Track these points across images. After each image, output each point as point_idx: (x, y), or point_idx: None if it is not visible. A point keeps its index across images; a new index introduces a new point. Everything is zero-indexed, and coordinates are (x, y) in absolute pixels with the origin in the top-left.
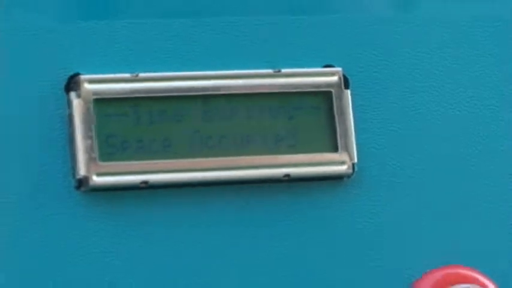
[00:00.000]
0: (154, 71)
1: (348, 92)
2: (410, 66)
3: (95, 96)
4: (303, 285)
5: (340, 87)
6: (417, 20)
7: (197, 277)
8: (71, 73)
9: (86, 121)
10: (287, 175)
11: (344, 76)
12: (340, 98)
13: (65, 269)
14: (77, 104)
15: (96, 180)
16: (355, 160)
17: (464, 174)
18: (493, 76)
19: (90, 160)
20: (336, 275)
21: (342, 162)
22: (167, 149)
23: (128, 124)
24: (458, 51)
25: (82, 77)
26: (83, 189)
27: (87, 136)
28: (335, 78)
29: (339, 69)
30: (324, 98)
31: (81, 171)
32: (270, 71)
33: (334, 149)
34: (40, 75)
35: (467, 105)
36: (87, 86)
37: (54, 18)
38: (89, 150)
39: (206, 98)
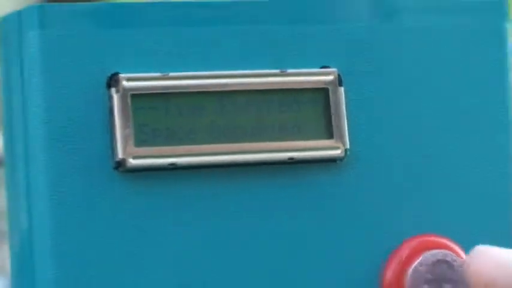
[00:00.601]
0: (181, 71)
1: (342, 89)
2: (394, 67)
3: (131, 92)
4: (305, 249)
5: (335, 84)
6: (398, 28)
7: (212, 243)
8: (112, 72)
9: (124, 113)
10: (291, 158)
11: (338, 75)
12: (335, 93)
13: (104, 235)
14: (116, 98)
15: (132, 162)
16: (347, 146)
17: (442, 157)
18: (468, 78)
19: (126, 145)
20: (329, 241)
21: (336, 148)
22: (191, 136)
23: (158, 115)
24: (435, 55)
25: (121, 75)
26: (120, 169)
27: (124, 125)
28: (331, 77)
29: (334, 69)
30: (321, 94)
31: (120, 154)
32: (277, 71)
33: (330, 136)
34: (86, 74)
35: (443, 99)
36: (125, 83)
37: (97, 26)
38: (126, 137)
39: (224, 94)
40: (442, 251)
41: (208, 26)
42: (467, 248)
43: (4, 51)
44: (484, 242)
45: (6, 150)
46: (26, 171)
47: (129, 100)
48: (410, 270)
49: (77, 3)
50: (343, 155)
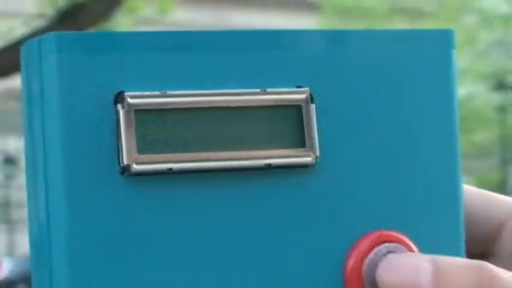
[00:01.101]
0: (177, 90)
1: (313, 105)
2: (357, 86)
3: (135, 108)
4: (281, 240)
5: (308, 102)
6: (361, 54)
7: (202, 236)
8: (118, 91)
9: (128, 125)
10: (268, 164)
11: (310, 94)
12: (307, 109)
13: (111, 230)
14: (122, 113)
15: (136, 167)
16: (317, 154)
17: (398, 164)
18: (420, 97)
19: (131, 153)
20: (302, 234)
21: (308, 155)
22: (185, 146)
23: (157, 127)
24: (390, 77)
25: (126, 93)
26: (126, 174)
27: (129, 136)
28: (304, 96)
29: (307, 89)
30: (295, 110)
31: (125, 161)
32: (258, 90)
33: (302, 145)
34: (97, 92)
35: (399, 114)
36: (129, 100)
37: (105, 51)
38: (130, 145)
39: (213, 109)
40: (394, 243)
41: (201, 52)
42: (418, 241)
43: (26, 72)
44: (433, 236)
45: (27, 156)
46: (45, 175)
47: (132, 115)
48: (367, 260)
49: (90, 30)
50: (314, 161)
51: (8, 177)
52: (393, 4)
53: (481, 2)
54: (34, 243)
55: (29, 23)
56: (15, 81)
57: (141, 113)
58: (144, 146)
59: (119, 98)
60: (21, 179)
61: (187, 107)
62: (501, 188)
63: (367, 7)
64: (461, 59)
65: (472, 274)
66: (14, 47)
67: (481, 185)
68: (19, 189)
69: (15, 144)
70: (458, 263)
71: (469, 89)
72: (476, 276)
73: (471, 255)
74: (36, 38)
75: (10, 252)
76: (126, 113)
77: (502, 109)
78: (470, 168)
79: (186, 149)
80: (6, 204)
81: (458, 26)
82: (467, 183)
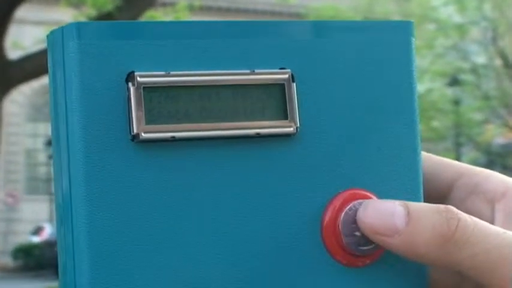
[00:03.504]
0: (180, 70)
1: (294, 84)
2: (332, 68)
3: (143, 85)
4: (269, 197)
5: (289, 81)
6: (334, 41)
7: (200, 191)
8: (129, 71)
9: (138, 100)
10: (258, 133)
11: (292, 74)
12: (289, 87)
13: (123, 187)
14: (132, 90)
15: (144, 135)
16: (298, 125)
17: (366, 133)
18: (384, 77)
19: (140, 123)
20: (286, 192)
21: (290, 126)
22: (186, 117)
23: (162, 102)
24: (360, 60)
25: (136, 73)
26: (135, 141)
27: (138, 109)
28: (286, 76)
29: (289, 70)
30: (279, 88)
31: (135, 130)
32: (248, 71)
33: (285, 117)
34: (111, 72)
35: (367, 91)
36: (139, 79)
37: (119, 38)
38: (139, 117)
39: (210, 87)
40: (365, 200)
41: (199, 39)
42: (384, 198)
43: (51, 56)
44: (397, 193)
45: (53, 132)
46: (68, 146)
47: (141, 91)
48: (342, 214)
49: (106, 21)
50: (295, 131)
51: (51, 156)
52: (366, 15)
53: (438, 13)
54: (59, 207)
55: None
56: None
57: (148, 90)
58: (151, 117)
59: (130, 77)
60: None
61: (188, 85)
62: None
63: (344, 17)
64: (421, 61)
65: (441, 215)
66: None
67: None
68: None
69: None
70: (428, 206)
71: (428, 85)
72: (445, 217)
73: None
74: (60, 26)
75: (51, 219)
76: (136, 90)
77: (455, 101)
78: (430, 150)
79: (186, 120)
80: (49, 179)
81: (419, 34)
82: None
